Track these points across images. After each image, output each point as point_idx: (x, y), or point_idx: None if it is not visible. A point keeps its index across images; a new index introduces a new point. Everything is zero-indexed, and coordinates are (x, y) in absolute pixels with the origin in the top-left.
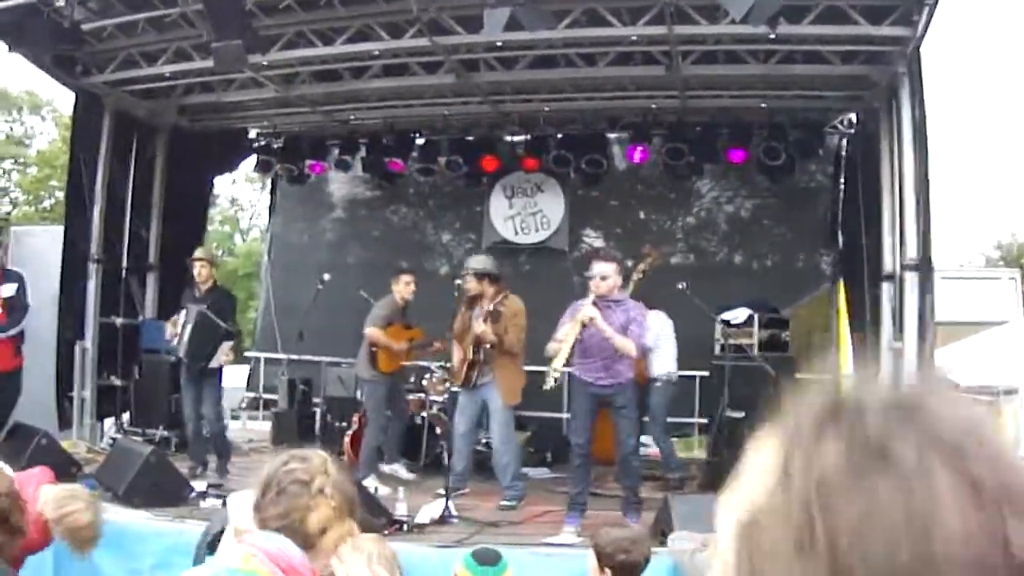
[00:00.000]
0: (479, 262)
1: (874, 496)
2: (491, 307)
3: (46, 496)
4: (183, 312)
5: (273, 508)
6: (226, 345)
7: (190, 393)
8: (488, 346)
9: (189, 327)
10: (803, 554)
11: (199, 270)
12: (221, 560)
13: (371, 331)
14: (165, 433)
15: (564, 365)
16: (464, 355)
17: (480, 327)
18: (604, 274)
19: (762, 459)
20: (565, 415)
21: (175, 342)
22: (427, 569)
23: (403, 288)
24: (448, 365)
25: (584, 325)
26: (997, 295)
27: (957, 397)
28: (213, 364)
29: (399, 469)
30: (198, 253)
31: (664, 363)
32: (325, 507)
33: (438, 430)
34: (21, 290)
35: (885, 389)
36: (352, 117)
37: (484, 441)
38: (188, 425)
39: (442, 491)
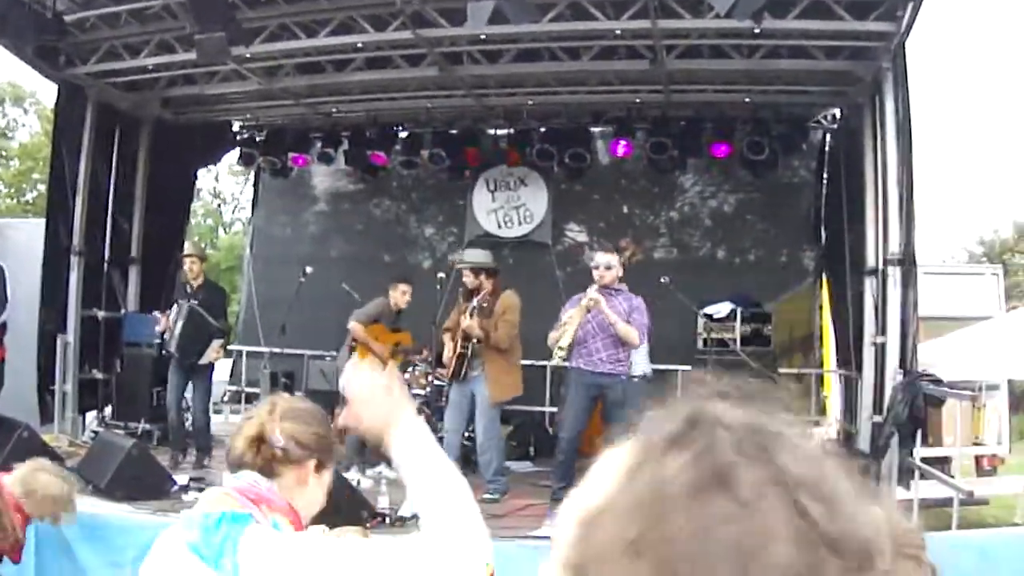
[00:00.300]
0: (474, 256)
1: (709, 517)
2: (482, 302)
3: (11, 479)
4: (174, 307)
5: (233, 453)
6: (216, 343)
7: (175, 383)
8: (475, 340)
9: (180, 323)
10: (631, 560)
11: (190, 266)
12: (196, 508)
13: (353, 324)
14: (147, 426)
15: (563, 360)
16: (453, 348)
17: (467, 321)
18: (609, 264)
19: (611, 463)
20: (549, 409)
21: (166, 336)
22: None
23: (399, 296)
24: (429, 359)
25: (588, 310)
26: (980, 291)
27: (813, 434)
28: (203, 361)
29: (384, 469)
30: (188, 249)
31: (644, 360)
32: (254, 429)
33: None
34: (1, 284)
35: (745, 413)
36: (335, 110)
37: (467, 435)
38: (170, 413)
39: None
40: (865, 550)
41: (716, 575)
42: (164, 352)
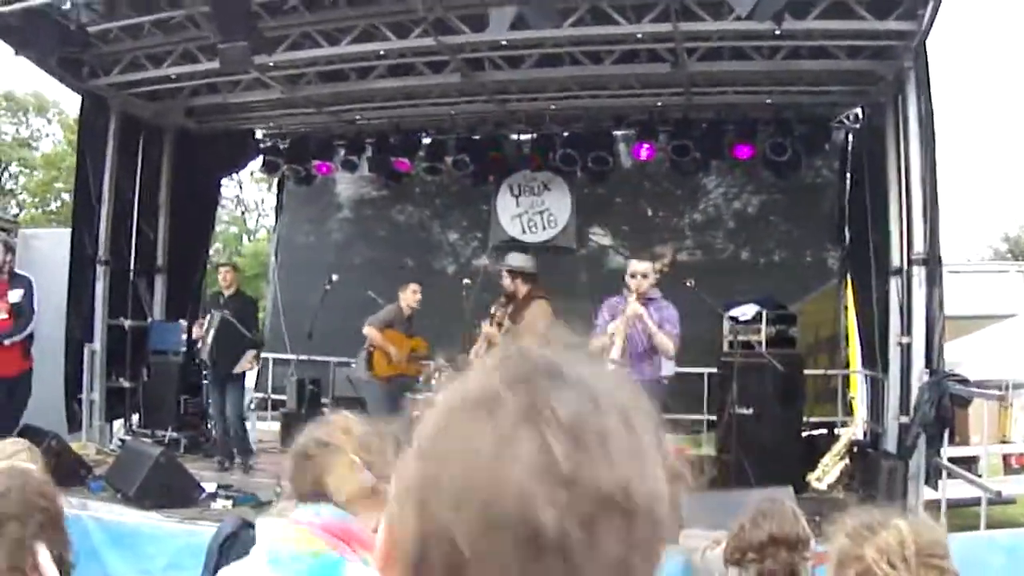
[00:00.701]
0: (515, 259)
1: (472, 433)
2: (509, 308)
3: None
4: (208, 317)
5: (300, 476)
6: (250, 353)
7: (215, 396)
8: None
9: (212, 332)
10: (418, 453)
11: (224, 275)
12: (272, 545)
13: (368, 328)
14: (174, 434)
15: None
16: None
17: (488, 327)
18: (645, 272)
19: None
20: None
21: (198, 345)
22: None
23: (409, 296)
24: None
25: (631, 323)
26: (1005, 288)
27: (606, 376)
28: (236, 370)
29: None
30: (223, 259)
31: (671, 363)
32: (341, 465)
33: None
34: (28, 295)
35: (554, 356)
36: (358, 117)
37: None
38: (216, 425)
39: None
40: (606, 498)
41: (452, 482)
42: (196, 361)
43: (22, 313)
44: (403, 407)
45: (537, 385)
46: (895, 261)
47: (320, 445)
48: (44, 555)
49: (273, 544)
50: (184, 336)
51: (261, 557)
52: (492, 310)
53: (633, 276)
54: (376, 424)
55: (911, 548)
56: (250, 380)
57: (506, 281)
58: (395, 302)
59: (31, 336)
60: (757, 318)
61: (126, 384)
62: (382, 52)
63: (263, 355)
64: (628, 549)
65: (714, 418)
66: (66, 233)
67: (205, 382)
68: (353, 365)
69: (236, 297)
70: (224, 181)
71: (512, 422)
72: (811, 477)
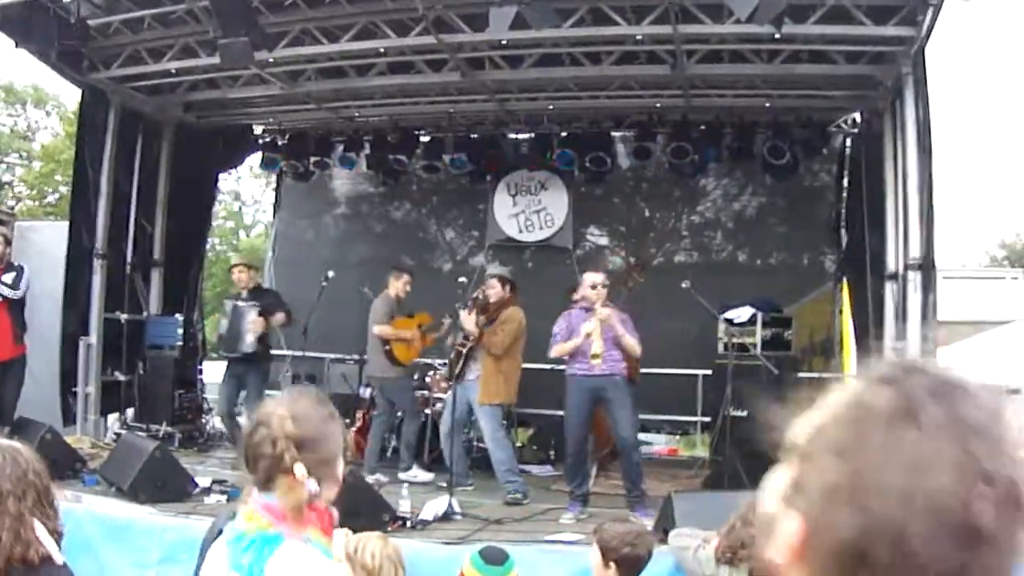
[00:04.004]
0: (500, 269)
1: (896, 438)
2: (484, 299)
3: None
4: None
5: (257, 475)
6: (253, 313)
7: (225, 391)
8: (471, 338)
9: (225, 322)
10: (835, 460)
11: (237, 275)
12: (233, 527)
13: (380, 328)
14: (169, 428)
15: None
16: (453, 343)
17: (463, 315)
18: (604, 282)
19: (835, 394)
20: None
21: (217, 342)
22: (431, 565)
23: (401, 286)
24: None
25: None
26: (1001, 295)
27: (1002, 397)
28: (247, 348)
29: (417, 472)
30: (235, 259)
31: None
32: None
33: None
34: (19, 277)
35: (944, 367)
36: (357, 114)
37: (479, 444)
38: (224, 421)
39: (444, 484)
40: (1015, 486)
41: (891, 484)
42: (221, 354)
43: (16, 287)
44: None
45: (953, 396)
46: (891, 266)
47: (262, 457)
48: (41, 529)
49: (234, 526)
50: (180, 331)
51: (223, 537)
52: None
53: (594, 287)
54: (318, 402)
55: None
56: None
57: (494, 290)
58: (385, 292)
59: (23, 324)
60: (752, 320)
61: (122, 378)
62: (382, 49)
63: None
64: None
65: (708, 420)
66: (63, 226)
67: (201, 376)
68: (349, 362)
69: (255, 292)
70: (222, 176)
71: (937, 429)
72: None
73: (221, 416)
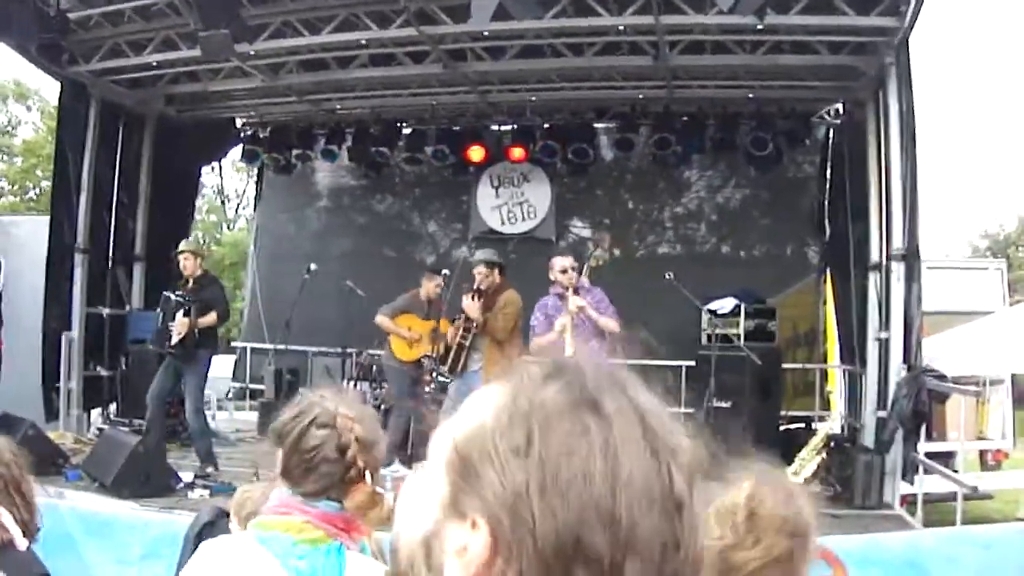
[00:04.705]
0: (487, 253)
1: (583, 426)
2: (482, 285)
3: None
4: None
5: (308, 476)
6: (178, 315)
7: (158, 380)
8: (474, 327)
9: (160, 315)
10: (518, 457)
11: (183, 263)
12: (261, 530)
13: (379, 318)
14: None
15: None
16: (453, 337)
17: (467, 302)
18: (572, 265)
19: (486, 399)
20: None
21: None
22: None
23: (431, 288)
24: (433, 356)
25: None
26: (983, 285)
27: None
28: (174, 339)
29: (399, 468)
30: (181, 246)
31: None
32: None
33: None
34: None
35: (598, 363)
36: (339, 107)
37: None
38: (148, 410)
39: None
40: (696, 462)
41: (589, 468)
42: (151, 347)
43: None
44: (422, 390)
45: (623, 384)
46: (874, 256)
47: (325, 461)
48: (6, 516)
49: (259, 529)
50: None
51: (249, 535)
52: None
53: (564, 272)
54: (365, 404)
55: (742, 514)
56: (228, 369)
57: (483, 276)
58: (416, 288)
59: (0, 319)
60: (735, 311)
61: (104, 373)
62: (363, 41)
63: (242, 344)
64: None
65: (691, 411)
66: (45, 221)
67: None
68: (331, 355)
69: (198, 280)
70: (204, 169)
71: (619, 413)
72: (788, 471)
73: (148, 399)
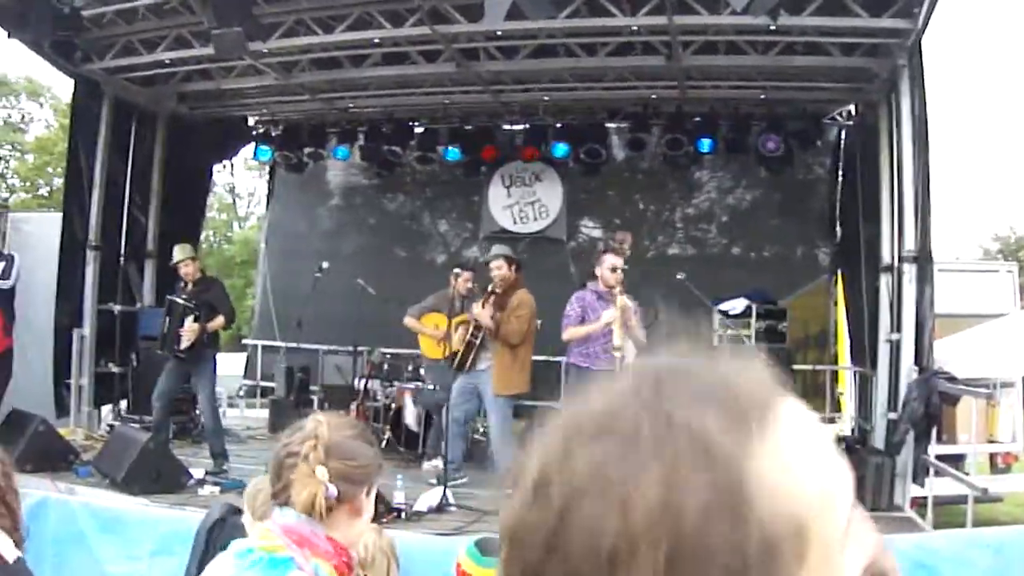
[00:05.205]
0: (502, 248)
1: (601, 453)
2: (496, 288)
3: None
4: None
5: (275, 484)
6: (188, 320)
7: (163, 381)
8: (485, 331)
9: (167, 319)
10: (536, 495)
11: (184, 270)
12: (244, 542)
13: (406, 320)
14: None
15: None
16: (463, 336)
17: (478, 308)
18: (621, 266)
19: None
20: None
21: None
22: (426, 557)
23: (460, 284)
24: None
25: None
26: (995, 288)
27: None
28: (182, 345)
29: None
30: (177, 254)
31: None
32: (303, 477)
33: (434, 417)
34: (9, 266)
35: (664, 362)
36: (351, 105)
37: (482, 430)
38: (155, 412)
39: (434, 481)
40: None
41: (606, 497)
42: (159, 352)
43: (7, 276)
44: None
45: (657, 395)
46: (886, 258)
47: (290, 455)
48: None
49: (245, 541)
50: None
51: (231, 549)
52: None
53: (614, 270)
54: (359, 427)
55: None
56: (239, 367)
57: (501, 271)
58: (446, 288)
59: (12, 316)
60: (747, 312)
61: (115, 369)
62: (376, 40)
63: (253, 342)
64: None
65: None
66: (56, 217)
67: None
68: (342, 353)
69: (198, 283)
70: (216, 167)
71: (634, 432)
72: None
73: (153, 401)
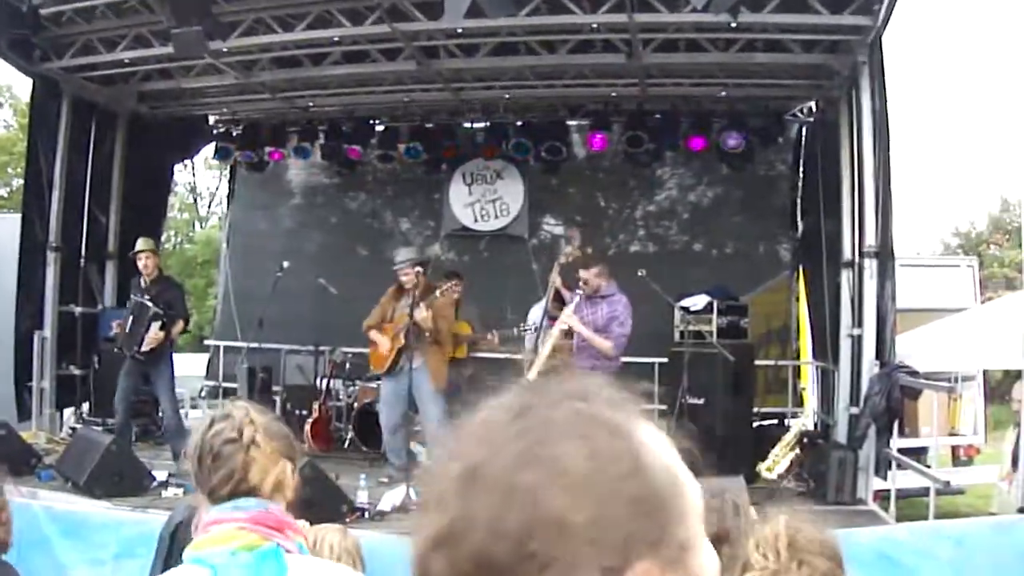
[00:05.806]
0: (409, 253)
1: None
2: (436, 294)
3: None
4: (127, 307)
5: (215, 475)
6: (155, 325)
7: (123, 384)
8: (426, 333)
9: (130, 319)
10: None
11: (144, 262)
12: (193, 552)
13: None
14: None
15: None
16: (391, 343)
17: (421, 313)
18: (587, 278)
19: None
20: None
21: (119, 340)
22: (390, 557)
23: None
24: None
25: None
26: (955, 282)
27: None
28: (144, 347)
29: None
30: (140, 245)
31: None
32: (261, 457)
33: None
34: None
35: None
36: (311, 104)
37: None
38: (117, 416)
39: (385, 479)
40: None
41: (524, 473)
42: (117, 351)
43: None
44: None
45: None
46: (847, 253)
47: (231, 442)
48: None
49: (194, 551)
50: (114, 332)
51: (187, 558)
52: (385, 303)
53: (585, 282)
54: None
55: (783, 541)
56: (200, 367)
57: (409, 276)
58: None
59: None
60: (708, 308)
61: (77, 372)
62: (336, 38)
63: (215, 343)
64: None
65: (664, 407)
66: (16, 219)
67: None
68: (304, 353)
69: (157, 281)
70: (177, 167)
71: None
72: (761, 467)
73: (115, 404)
